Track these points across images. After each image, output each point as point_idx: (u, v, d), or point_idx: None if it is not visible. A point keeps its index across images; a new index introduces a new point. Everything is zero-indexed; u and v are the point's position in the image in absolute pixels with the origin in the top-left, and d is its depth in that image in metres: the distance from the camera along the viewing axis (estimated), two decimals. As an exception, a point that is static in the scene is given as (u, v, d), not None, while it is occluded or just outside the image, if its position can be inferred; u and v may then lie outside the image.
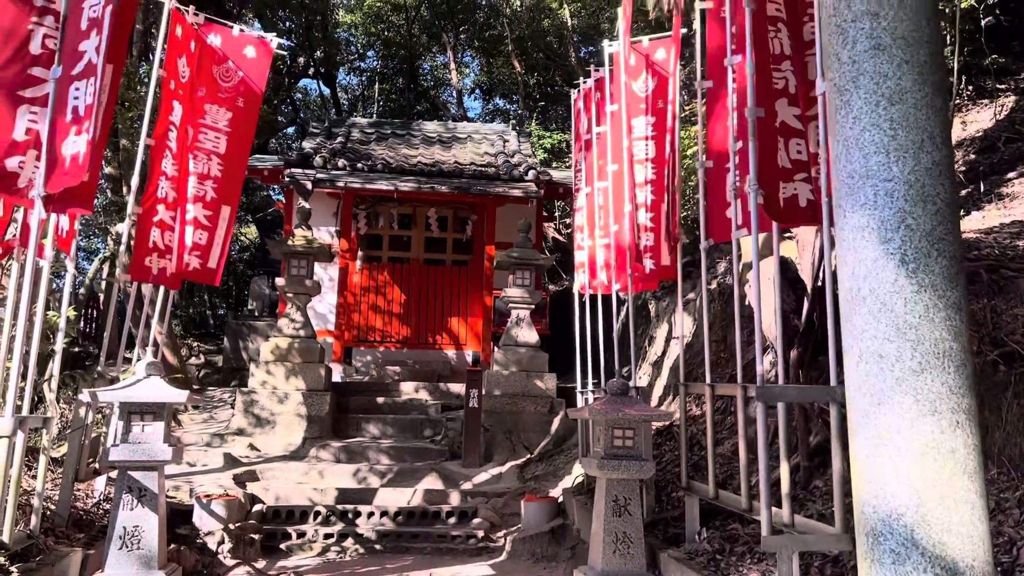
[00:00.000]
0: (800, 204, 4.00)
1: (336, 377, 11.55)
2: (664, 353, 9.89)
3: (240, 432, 9.86)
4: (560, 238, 18.48)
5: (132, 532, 4.51)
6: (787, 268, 6.61)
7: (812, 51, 4.26)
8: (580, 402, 7.97)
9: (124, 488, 4.59)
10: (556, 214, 18.44)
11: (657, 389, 9.40)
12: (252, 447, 9.60)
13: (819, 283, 6.32)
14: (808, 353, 6.18)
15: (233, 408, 10.24)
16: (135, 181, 5.84)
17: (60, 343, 4.97)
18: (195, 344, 18.89)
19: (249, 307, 20.30)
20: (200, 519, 7.17)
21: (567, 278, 18.28)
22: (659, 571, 5.01)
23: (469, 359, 13.44)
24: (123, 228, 5.77)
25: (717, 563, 4.49)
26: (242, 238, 28.05)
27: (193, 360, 18.25)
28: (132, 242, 5.92)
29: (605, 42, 6.92)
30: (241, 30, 6.81)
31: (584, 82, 7.81)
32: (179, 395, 4.63)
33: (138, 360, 5.44)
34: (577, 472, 8.96)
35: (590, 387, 7.70)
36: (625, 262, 6.43)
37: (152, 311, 7.03)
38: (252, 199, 24.70)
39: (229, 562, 6.80)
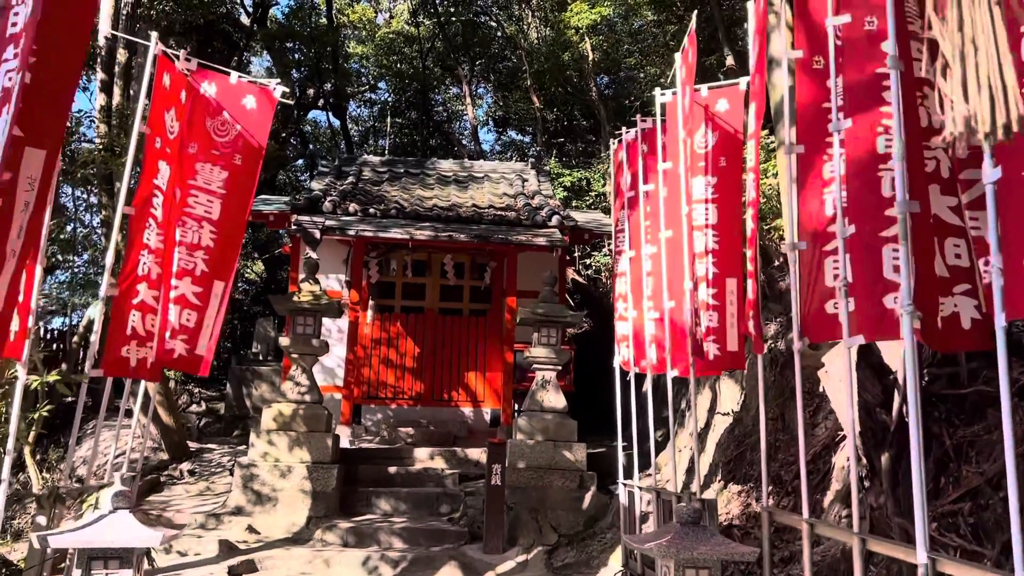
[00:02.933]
0: (963, 325, 3.10)
1: (344, 439, 10.63)
2: (709, 425, 8.92)
3: (238, 511, 8.91)
4: (581, 280, 17.58)
5: None
6: (870, 351, 5.67)
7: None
8: (623, 497, 7.01)
9: (79, 660, 3.67)
10: (576, 254, 17.55)
11: (702, 466, 8.42)
12: (251, 529, 8.65)
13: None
14: (906, 458, 5.21)
15: (232, 475, 9.31)
16: (109, 259, 4.96)
17: (7, 468, 4.04)
18: (196, 390, 17.99)
19: (254, 350, 19.41)
20: (187, 634, 6.22)
21: (586, 321, 17.39)
22: None
23: (487, 417, 12.49)
24: (95, 313, 4.91)
25: None
26: (248, 273, 27.28)
27: (194, 408, 17.37)
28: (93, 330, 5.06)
29: (657, 91, 6.06)
30: (240, 78, 5.96)
31: (626, 131, 6.93)
32: (151, 537, 3.71)
33: (103, 489, 4.52)
34: (614, 564, 7.97)
35: (636, 480, 6.74)
36: (684, 344, 5.50)
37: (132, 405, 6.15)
38: (258, 235, 23.90)
39: None
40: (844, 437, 6.18)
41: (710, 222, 5.44)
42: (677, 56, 5.63)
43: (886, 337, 3.56)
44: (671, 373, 5.68)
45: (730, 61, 13.55)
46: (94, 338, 4.83)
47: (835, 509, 5.60)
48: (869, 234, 3.56)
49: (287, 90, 6.32)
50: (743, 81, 5.79)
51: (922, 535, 3.49)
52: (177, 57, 5.61)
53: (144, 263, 5.06)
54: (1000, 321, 2.63)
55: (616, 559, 8.05)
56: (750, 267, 4.41)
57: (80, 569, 3.73)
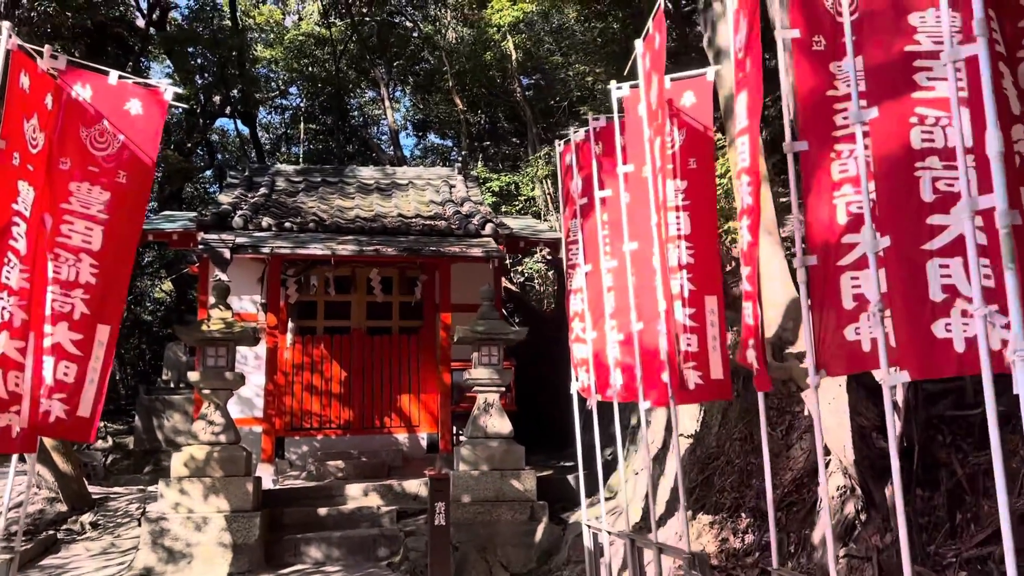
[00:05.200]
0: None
1: (266, 478, 9.62)
2: (666, 445, 8.29)
3: (147, 573, 7.85)
4: (513, 288, 16.88)
5: None
6: (865, 372, 5.09)
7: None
8: (588, 540, 6.28)
9: None
10: (508, 262, 16.84)
11: (663, 491, 7.78)
12: (162, 594, 7.60)
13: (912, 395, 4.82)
14: (911, 486, 4.64)
15: (140, 526, 8.23)
16: (-46, 306, 3.94)
17: None
18: (101, 424, 16.51)
19: (164, 377, 18.03)
20: None
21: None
22: None
23: (424, 443, 11.65)
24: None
25: None
26: (156, 293, 25.61)
27: (99, 443, 15.92)
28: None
29: (612, 83, 5.36)
30: (122, 78, 4.95)
31: (574, 131, 6.22)
32: None
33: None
34: (576, 608, 7.26)
35: (606, 521, 6.03)
36: (657, 370, 4.81)
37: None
38: (164, 252, 22.38)
39: None
40: (829, 462, 5.60)
41: (682, 232, 4.77)
42: (638, 43, 4.94)
43: (939, 374, 2.93)
44: (644, 404, 5.00)
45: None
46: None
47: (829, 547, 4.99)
48: (908, 248, 2.92)
49: (181, 91, 5.36)
50: (710, 71, 5.15)
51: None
52: (39, 54, 4.60)
53: (3, 308, 4.04)
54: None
55: (577, 602, 7.35)
56: (748, 287, 3.75)
57: None
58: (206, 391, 8.58)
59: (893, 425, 2.99)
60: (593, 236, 5.78)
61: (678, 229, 4.80)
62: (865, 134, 3.15)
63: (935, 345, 2.85)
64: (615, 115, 5.39)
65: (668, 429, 8.44)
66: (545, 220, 16.06)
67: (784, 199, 9.42)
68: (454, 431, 11.26)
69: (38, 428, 4.49)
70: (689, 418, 8.08)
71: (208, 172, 25.88)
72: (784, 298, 6.69)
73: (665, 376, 4.76)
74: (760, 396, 3.89)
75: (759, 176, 3.92)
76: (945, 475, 4.54)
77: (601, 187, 5.64)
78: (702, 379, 4.66)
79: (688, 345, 4.70)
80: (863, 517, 4.96)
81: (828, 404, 5.09)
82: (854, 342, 3.32)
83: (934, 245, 2.88)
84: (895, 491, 2.91)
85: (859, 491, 5.01)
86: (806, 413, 5.81)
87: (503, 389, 9.25)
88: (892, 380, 2.96)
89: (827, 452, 5.67)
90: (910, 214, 2.94)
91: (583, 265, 6.01)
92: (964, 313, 2.77)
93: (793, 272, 7.07)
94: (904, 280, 2.92)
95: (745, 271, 3.80)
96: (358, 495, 9.45)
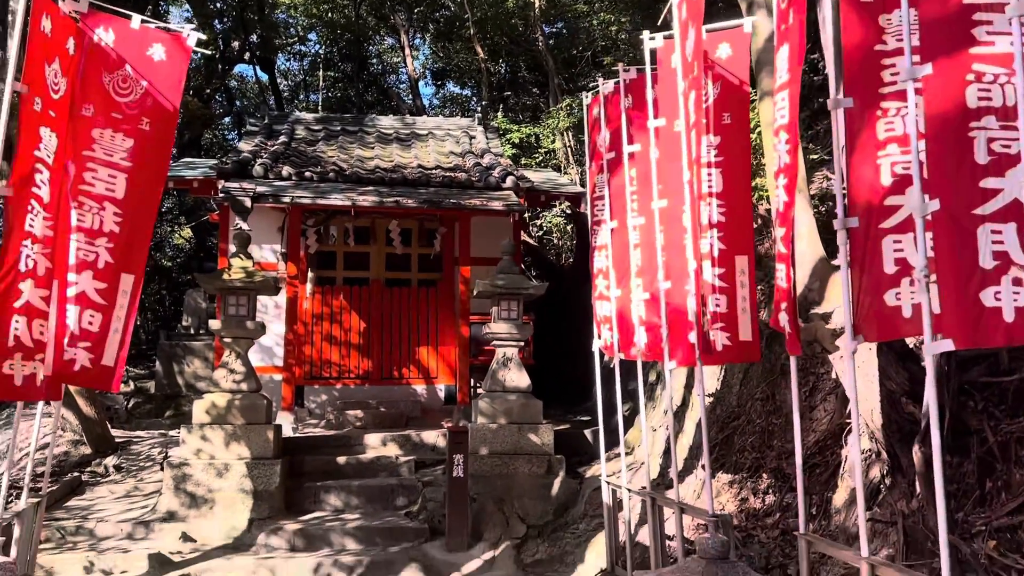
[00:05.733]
0: None
1: (286, 426, 9.70)
2: (686, 403, 8.26)
3: (170, 516, 7.97)
4: (532, 242, 16.77)
5: None
6: (892, 334, 5.00)
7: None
8: (606, 496, 6.30)
9: None
10: (527, 215, 16.71)
11: (681, 449, 7.78)
12: (186, 537, 7.73)
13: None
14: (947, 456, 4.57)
15: (162, 470, 8.34)
16: (-22, 252, 3.90)
17: None
18: (124, 371, 16.68)
19: (184, 323, 18.17)
20: None
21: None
22: None
23: (442, 395, 11.69)
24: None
25: None
26: (176, 239, 25.66)
27: (122, 387, 16.14)
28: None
29: (645, 34, 5.19)
30: (144, 22, 4.83)
31: (603, 82, 6.06)
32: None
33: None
34: (591, 560, 7.32)
35: (624, 475, 6.03)
36: (685, 330, 4.75)
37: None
38: (184, 199, 22.37)
39: None
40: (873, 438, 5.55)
41: (714, 189, 4.65)
42: (674, -10, 4.77)
43: (986, 343, 2.84)
44: (669, 364, 4.94)
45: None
46: (-35, 353, 3.83)
47: (853, 512, 4.97)
48: (959, 212, 2.82)
49: (203, 36, 5.23)
50: (747, 22, 4.98)
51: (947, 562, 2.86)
52: (61, -4, 4.50)
53: (28, 256, 4.01)
54: None
55: (594, 554, 7.39)
56: (782, 248, 3.65)
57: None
58: (227, 339, 8.61)
59: (934, 394, 2.92)
60: (620, 192, 5.67)
61: (709, 186, 4.68)
62: (916, 91, 3.02)
63: (983, 314, 2.76)
64: (647, 67, 5.22)
65: (688, 387, 8.42)
66: (566, 173, 15.88)
67: (814, 156, 9.21)
68: (472, 384, 11.29)
69: (62, 376, 4.50)
70: (710, 377, 8.03)
71: (227, 119, 25.75)
72: (811, 257, 6.58)
73: (692, 337, 4.70)
74: (792, 361, 3.83)
75: (798, 134, 3.79)
76: (976, 442, 4.48)
77: (630, 142, 5.51)
78: (730, 340, 4.59)
79: (717, 306, 4.62)
80: (888, 482, 4.93)
81: (856, 368, 5.02)
82: (894, 308, 3.24)
83: (986, 209, 2.77)
84: (933, 458, 2.85)
85: (885, 456, 4.96)
86: (833, 376, 5.74)
87: (522, 344, 9.22)
88: (935, 349, 2.88)
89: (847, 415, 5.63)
90: (962, 176, 2.83)
91: (609, 222, 5.91)
92: (1016, 281, 2.68)
93: (822, 231, 6.96)
94: (952, 245, 2.82)
95: (779, 232, 3.70)
96: (377, 444, 9.53)
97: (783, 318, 3.71)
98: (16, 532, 5.09)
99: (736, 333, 4.55)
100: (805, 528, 3.80)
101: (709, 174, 4.70)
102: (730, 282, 4.58)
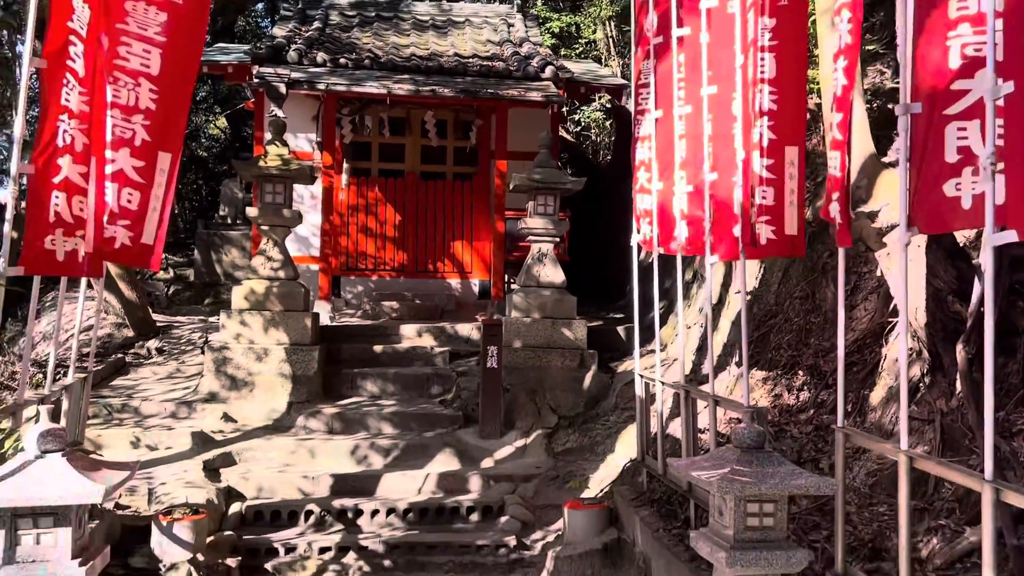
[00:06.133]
0: None
1: (323, 315, 9.84)
2: (722, 301, 8.20)
3: (212, 397, 8.22)
4: (569, 138, 16.45)
5: None
6: (946, 233, 4.86)
7: None
8: (639, 388, 6.33)
9: (15, 634, 2.95)
10: (565, 109, 16.32)
11: (715, 346, 7.76)
12: (227, 417, 7.99)
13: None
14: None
15: (203, 354, 8.57)
16: (18, 126, 3.83)
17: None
18: (163, 256, 16.93)
19: (221, 213, 18.31)
20: (160, 546, 5.61)
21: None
22: None
23: (476, 289, 11.72)
24: (6, 196, 3.86)
25: None
26: (211, 129, 25.57)
27: (161, 275, 16.46)
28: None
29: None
30: None
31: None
32: (89, 491, 2.91)
33: (32, 421, 3.67)
34: (621, 451, 7.45)
35: (659, 369, 6.04)
36: (730, 223, 4.64)
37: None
38: (219, 87, 22.16)
39: (200, 612, 5.28)
40: (895, 324, 5.47)
41: (767, 76, 4.44)
42: None
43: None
44: (711, 258, 4.85)
45: None
46: (6, 228, 3.85)
47: (891, 409, 4.95)
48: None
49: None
50: None
51: (990, 454, 2.83)
52: None
53: (65, 131, 3.98)
54: None
55: (623, 445, 7.53)
56: (838, 135, 3.49)
57: (3, 529, 2.96)
58: (264, 227, 8.65)
59: (991, 288, 2.82)
60: (667, 79, 5.44)
61: (761, 72, 4.46)
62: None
63: (1050, 204, 2.63)
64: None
65: (725, 286, 8.34)
66: (607, 65, 15.39)
67: (869, 47, 8.77)
68: (506, 279, 11.31)
69: (103, 254, 4.54)
70: (748, 275, 7.90)
71: (260, 5, 25.12)
72: (860, 153, 6.35)
73: (737, 230, 4.59)
74: (840, 252, 3.72)
75: (861, 12, 3.56)
76: (1022, 342, 4.38)
77: (679, 25, 5.25)
78: (775, 234, 4.47)
79: (763, 198, 4.48)
80: (927, 381, 4.88)
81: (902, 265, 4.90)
82: (952, 199, 3.10)
83: (1063, 93, 2.59)
84: (985, 355, 2.78)
85: (926, 355, 4.89)
86: (876, 274, 5.62)
87: (557, 239, 9.16)
88: (997, 240, 2.76)
89: (895, 314, 5.54)
90: (1040, 57, 2.64)
91: (653, 111, 5.71)
92: (1092, 169, 2.53)
93: (872, 128, 6.69)
94: (1022, 133, 2.65)
95: (836, 117, 3.53)
96: (412, 335, 9.65)
97: (834, 208, 3.58)
98: (65, 405, 5.27)
99: (782, 227, 4.43)
100: (843, 422, 3.78)
101: (762, 59, 4.47)
102: (778, 174, 4.42)
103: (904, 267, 3.31)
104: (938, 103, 3.15)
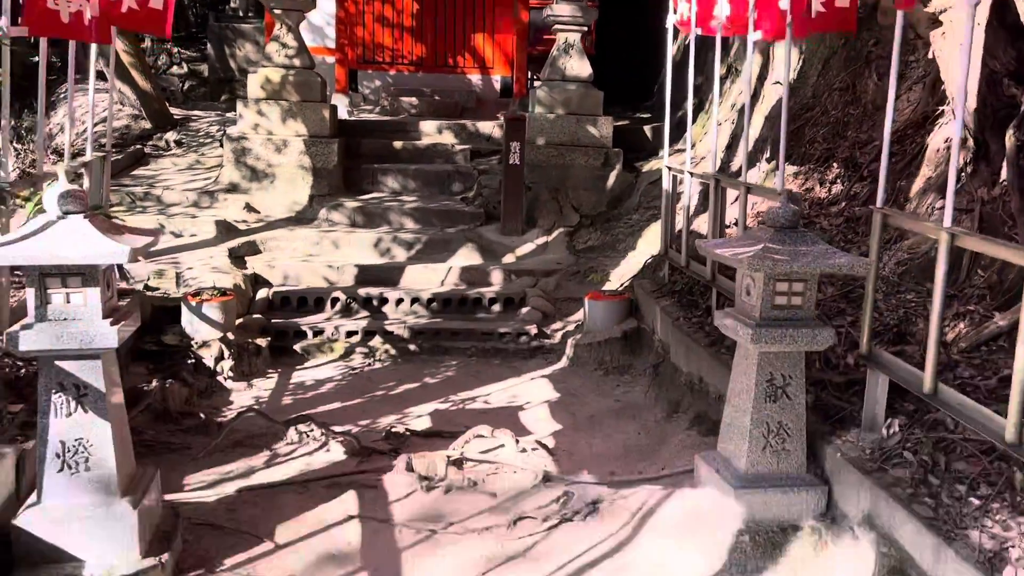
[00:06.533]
0: None
1: (341, 108, 9.58)
2: (757, 96, 7.83)
3: (233, 188, 8.18)
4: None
5: (75, 448, 3.03)
6: (1006, 8, 4.49)
7: None
8: (666, 182, 6.19)
9: (53, 386, 3.03)
10: None
11: (749, 141, 7.52)
12: (249, 208, 7.98)
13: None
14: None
15: (222, 147, 8.46)
16: None
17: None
18: (175, 50, 16.40)
19: (232, 5, 17.53)
20: (191, 325, 5.76)
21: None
22: (822, 472, 3.63)
23: (498, 86, 11.30)
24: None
25: (932, 490, 3.06)
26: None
27: (175, 69, 16.02)
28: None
29: None
30: None
31: None
32: (113, 251, 2.88)
33: (49, 184, 3.59)
34: (643, 248, 7.44)
35: (688, 164, 5.87)
36: (774, -2, 4.29)
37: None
38: None
39: (232, 384, 5.49)
40: (941, 114, 5.21)
41: None
42: None
43: None
44: (753, 36, 4.54)
45: None
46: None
47: (928, 199, 4.82)
48: None
49: None
50: None
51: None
52: None
53: None
54: None
55: (645, 243, 7.50)
56: None
57: (33, 288, 2.97)
58: (277, 11, 8.22)
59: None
60: None
61: None
62: None
63: None
64: None
65: (760, 79, 7.94)
66: None
67: None
68: (529, 76, 10.88)
69: (110, 17, 4.30)
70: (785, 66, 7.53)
71: None
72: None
73: (784, 2, 4.25)
74: (899, 15, 3.44)
75: None
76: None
77: None
78: (824, 7, 4.15)
79: (816, -35, 4.11)
80: (969, 169, 4.70)
81: (956, 48, 4.57)
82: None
83: None
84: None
85: (971, 142, 4.68)
86: (931, 55, 5.27)
87: (585, 28, 8.69)
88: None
89: (941, 102, 5.26)
90: None
91: None
92: None
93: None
94: None
95: None
96: (432, 132, 9.42)
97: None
98: (86, 182, 5.23)
99: (833, -3, 4.09)
100: (882, 203, 3.66)
101: None
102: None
103: (970, 34, 3.03)
104: None
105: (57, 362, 3.03)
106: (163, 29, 4.79)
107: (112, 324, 3.01)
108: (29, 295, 2.98)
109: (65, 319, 2.99)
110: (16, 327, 2.98)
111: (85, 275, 2.98)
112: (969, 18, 3.02)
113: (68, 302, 2.99)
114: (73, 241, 2.89)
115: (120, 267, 5.08)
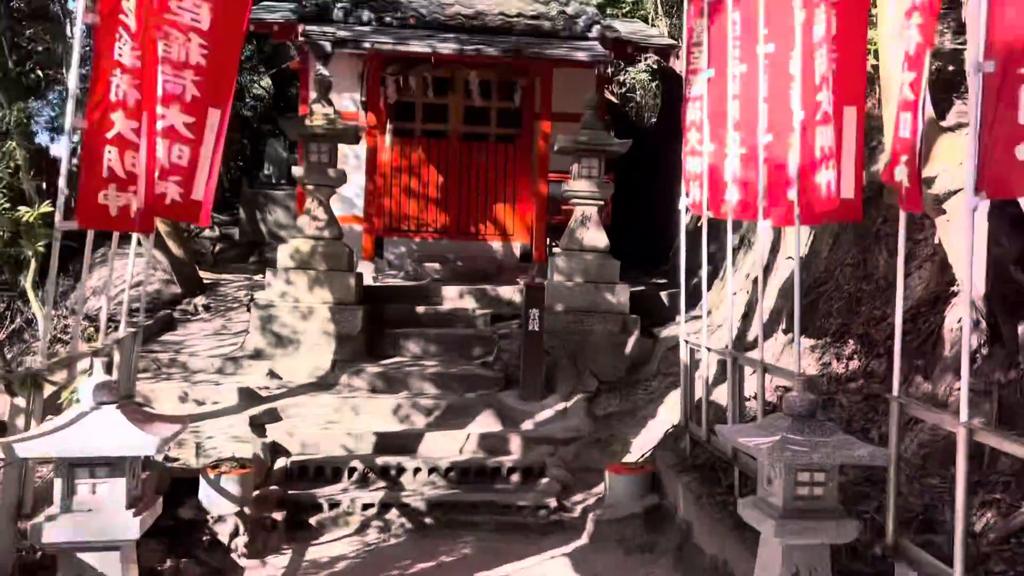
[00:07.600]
0: None
1: (367, 274, 9.88)
2: (770, 268, 8.04)
3: (258, 354, 8.34)
4: (614, 100, 16.20)
5: (89, 644, 2.99)
6: (1011, 201, 4.68)
7: None
8: (684, 354, 6.27)
9: (72, 578, 3.03)
10: (610, 71, 16.03)
11: (764, 311, 7.64)
12: (272, 374, 8.11)
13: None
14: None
15: (249, 311, 8.69)
16: (72, 79, 3.88)
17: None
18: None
19: (266, 172, 18.43)
20: (208, 498, 5.74)
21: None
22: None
23: (518, 252, 11.66)
24: (61, 151, 3.91)
25: None
26: (255, 88, 25.68)
27: (207, 233, 16.69)
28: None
29: None
30: None
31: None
32: (143, 443, 2.96)
33: (86, 374, 3.74)
34: (663, 416, 7.42)
35: (704, 332, 5.97)
36: (785, 188, 4.52)
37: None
38: (263, 47, 22.18)
39: (246, 562, 5.41)
40: (953, 294, 5.32)
41: (828, 34, 4.28)
42: None
43: None
44: (763, 224, 4.76)
45: None
46: (62, 182, 3.91)
47: (946, 380, 4.84)
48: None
49: None
50: None
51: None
52: None
53: (117, 86, 4.00)
54: None
55: (666, 409, 7.50)
56: (910, 95, 3.35)
57: (61, 478, 3.03)
58: (309, 187, 8.68)
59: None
60: (721, 37, 5.29)
61: (826, 28, 4.30)
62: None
63: None
64: None
65: (773, 251, 8.18)
66: (654, 25, 15.05)
67: None
68: (548, 243, 11.25)
69: (155, 209, 4.59)
70: (795, 248, 7.77)
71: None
72: (920, 117, 6.13)
73: (792, 194, 4.47)
74: (902, 217, 3.61)
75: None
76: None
77: (738, -20, 5.09)
78: (829, 198, 4.34)
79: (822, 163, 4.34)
80: (984, 352, 4.74)
81: (963, 233, 4.74)
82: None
83: None
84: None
85: (984, 325, 4.75)
86: (935, 241, 5.45)
87: (601, 203, 9.07)
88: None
89: (951, 283, 5.38)
90: None
91: (705, 70, 5.57)
92: None
93: (930, 88, 6.45)
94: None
95: (908, 77, 3.38)
96: (454, 297, 9.67)
97: (900, 172, 3.45)
98: (116, 358, 5.38)
99: (838, 189, 4.30)
100: (898, 391, 3.70)
101: (826, 16, 4.30)
102: (837, 138, 4.28)
103: (971, 237, 3.18)
104: (1013, 61, 3.00)
105: (79, 554, 3.03)
106: (202, 217, 5.10)
107: (135, 515, 3.04)
108: (56, 485, 3.03)
109: (90, 510, 3.04)
110: (41, 518, 3.01)
111: (113, 466, 3.04)
112: (969, 222, 3.16)
113: (94, 492, 3.05)
114: (105, 432, 2.98)
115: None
